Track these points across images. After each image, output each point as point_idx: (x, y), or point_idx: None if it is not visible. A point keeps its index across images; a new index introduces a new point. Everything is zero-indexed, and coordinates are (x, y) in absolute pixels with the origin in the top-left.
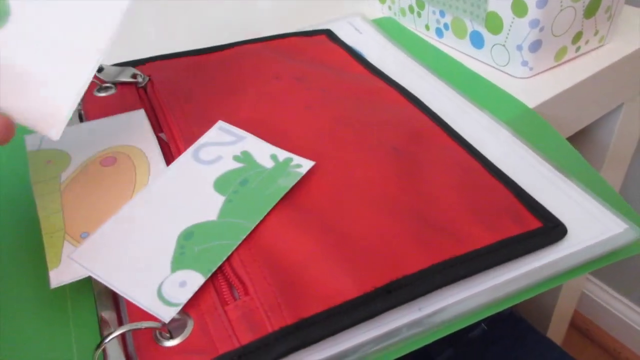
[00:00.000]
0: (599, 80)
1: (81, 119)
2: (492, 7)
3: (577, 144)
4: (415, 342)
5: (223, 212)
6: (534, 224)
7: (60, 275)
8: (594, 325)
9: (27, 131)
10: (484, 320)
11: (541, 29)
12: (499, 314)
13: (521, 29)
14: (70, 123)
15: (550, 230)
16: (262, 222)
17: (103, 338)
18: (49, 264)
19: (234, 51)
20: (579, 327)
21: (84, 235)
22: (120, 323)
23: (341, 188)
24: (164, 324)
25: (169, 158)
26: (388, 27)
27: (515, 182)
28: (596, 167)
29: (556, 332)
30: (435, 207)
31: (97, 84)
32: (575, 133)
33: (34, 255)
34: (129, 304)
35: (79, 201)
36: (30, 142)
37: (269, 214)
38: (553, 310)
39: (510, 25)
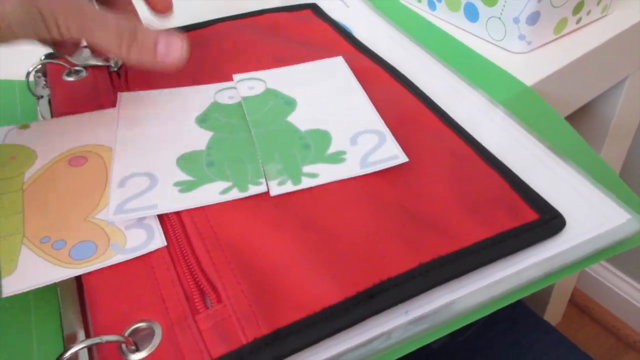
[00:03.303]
0: (602, 53)
1: (51, 106)
2: None
3: (577, 121)
4: (402, 347)
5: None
6: (531, 215)
7: (15, 283)
8: (593, 303)
9: None
10: None
11: (539, 0)
12: None
13: (518, 0)
14: (41, 117)
15: (548, 222)
16: (235, 219)
17: (61, 353)
18: (2, 270)
19: (213, 29)
20: (578, 304)
21: (45, 240)
22: (88, 335)
23: None
24: (128, 337)
25: None
26: (378, 0)
27: (510, 170)
28: (597, 145)
29: (555, 309)
30: (424, 200)
31: (66, 67)
32: (576, 110)
33: None
34: (94, 315)
35: (42, 203)
36: None
37: (243, 209)
38: (552, 287)
39: None
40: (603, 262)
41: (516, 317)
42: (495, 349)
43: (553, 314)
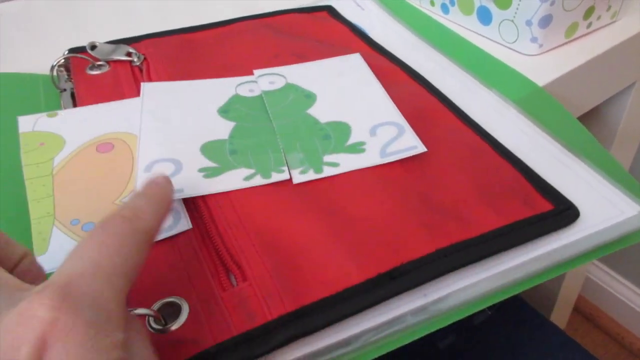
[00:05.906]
0: (610, 58)
1: (73, 98)
2: None
3: (585, 124)
4: (420, 329)
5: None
6: (545, 206)
7: (47, 263)
8: (598, 310)
9: (20, 112)
10: (489, 306)
11: (552, 3)
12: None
13: (531, 3)
14: (65, 106)
15: (562, 212)
16: (258, 204)
17: None
18: (35, 251)
19: (231, 28)
20: (583, 311)
21: (75, 223)
22: None
23: None
24: (157, 311)
25: None
26: (391, 3)
27: (524, 163)
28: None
29: (560, 316)
30: (441, 189)
31: (89, 61)
32: (584, 113)
33: (24, 241)
34: None
35: (71, 187)
36: (23, 123)
37: (266, 194)
38: (557, 294)
39: (520, 0)
40: (607, 269)
41: (522, 318)
42: (501, 349)
43: (558, 321)
